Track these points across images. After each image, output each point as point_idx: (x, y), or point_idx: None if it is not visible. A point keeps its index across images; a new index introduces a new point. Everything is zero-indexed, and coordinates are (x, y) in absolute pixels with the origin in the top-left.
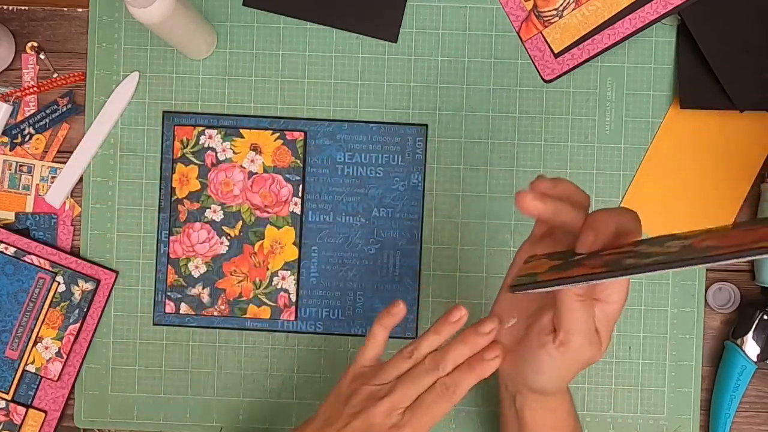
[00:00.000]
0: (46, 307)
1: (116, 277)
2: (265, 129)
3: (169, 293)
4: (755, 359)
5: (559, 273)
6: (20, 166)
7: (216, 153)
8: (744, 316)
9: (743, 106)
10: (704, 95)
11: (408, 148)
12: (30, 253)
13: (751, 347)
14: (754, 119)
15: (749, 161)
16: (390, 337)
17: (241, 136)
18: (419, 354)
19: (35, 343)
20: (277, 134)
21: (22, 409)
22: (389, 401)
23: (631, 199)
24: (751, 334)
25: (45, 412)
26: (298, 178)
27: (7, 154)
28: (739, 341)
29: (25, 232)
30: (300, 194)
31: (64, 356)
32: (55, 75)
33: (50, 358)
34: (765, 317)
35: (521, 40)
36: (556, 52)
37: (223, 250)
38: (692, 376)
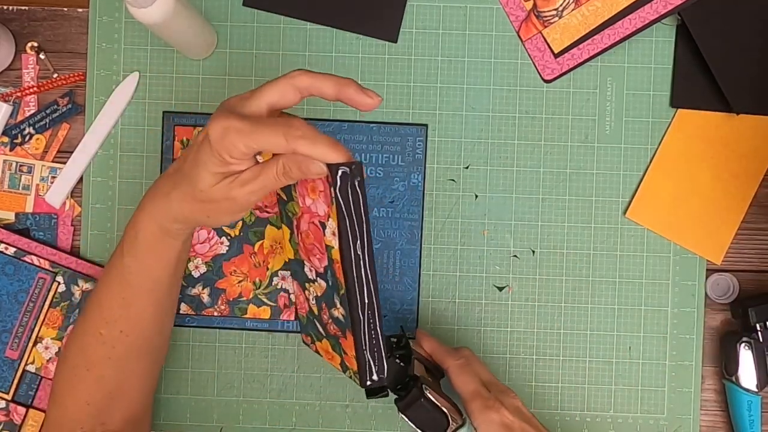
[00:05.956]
0: (46, 307)
1: None
2: None
3: None
4: (756, 389)
5: None
6: (20, 166)
7: None
8: (727, 352)
9: (739, 109)
10: (697, 95)
11: (408, 148)
12: (30, 253)
13: (747, 379)
14: (761, 120)
15: (757, 161)
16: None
17: None
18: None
19: (35, 343)
20: None
21: (22, 409)
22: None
23: (641, 199)
24: (740, 367)
25: (45, 412)
26: None
27: (7, 155)
28: (734, 378)
29: (25, 232)
30: None
31: None
32: (55, 75)
33: (50, 358)
34: (745, 345)
35: (521, 40)
36: (556, 52)
37: (223, 250)
38: (692, 376)
